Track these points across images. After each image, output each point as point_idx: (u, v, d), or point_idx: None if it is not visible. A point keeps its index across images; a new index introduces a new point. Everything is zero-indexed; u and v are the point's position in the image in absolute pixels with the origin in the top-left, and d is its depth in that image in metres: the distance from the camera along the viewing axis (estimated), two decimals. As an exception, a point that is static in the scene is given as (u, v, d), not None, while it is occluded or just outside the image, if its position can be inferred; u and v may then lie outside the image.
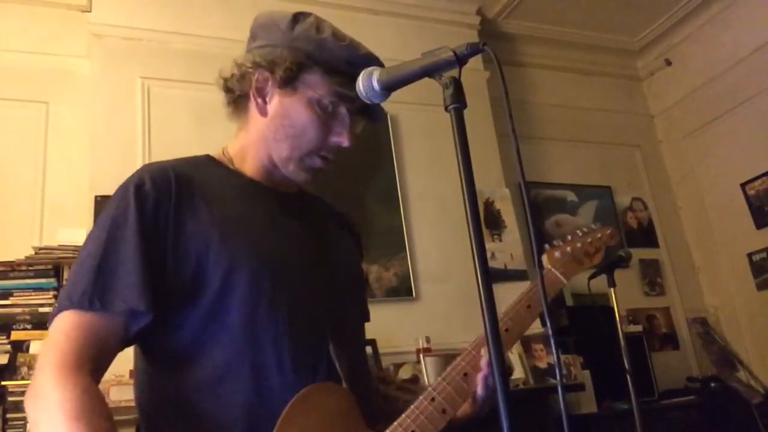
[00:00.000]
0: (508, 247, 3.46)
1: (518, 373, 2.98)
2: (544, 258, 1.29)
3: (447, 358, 2.85)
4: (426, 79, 0.91)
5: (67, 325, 0.92)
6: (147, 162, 2.99)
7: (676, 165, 4.56)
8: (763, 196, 3.95)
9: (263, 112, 1.11)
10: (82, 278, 0.94)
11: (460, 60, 0.88)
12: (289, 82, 1.07)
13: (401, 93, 0.97)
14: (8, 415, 2.38)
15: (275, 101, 1.10)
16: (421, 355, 2.87)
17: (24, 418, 2.36)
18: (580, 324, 3.46)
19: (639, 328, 3.80)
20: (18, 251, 2.66)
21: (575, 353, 3.20)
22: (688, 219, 4.47)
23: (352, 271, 1.21)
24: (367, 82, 0.93)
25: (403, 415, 1.01)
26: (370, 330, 3.25)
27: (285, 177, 1.12)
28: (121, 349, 0.98)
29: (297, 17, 1.10)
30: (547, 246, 1.33)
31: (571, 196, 4.17)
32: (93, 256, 0.95)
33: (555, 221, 4.06)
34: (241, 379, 0.96)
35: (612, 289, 2.60)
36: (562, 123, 4.31)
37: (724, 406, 3.48)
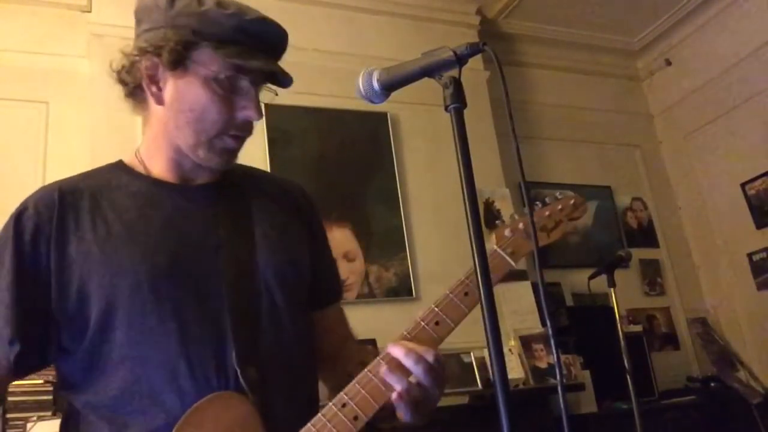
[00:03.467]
0: (508, 247, 3.45)
1: (518, 373, 2.98)
2: (493, 235, 1.11)
3: (447, 358, 2.85)
4: (426, 79, 0.91)
5: None
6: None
7: (676, 165, 4.56)
8: (763, 196, 3.95)
9: (159, 101, 1.02)
10: None
11: (460, 60, 0.88)
12: (178, 63, 0.98)
13: (401, 93, 0.97)
14: (8, 415, 2.38)
15: (169, 86, 1.01)
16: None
17: (24, 418, 2.36)
18: (580, 324, 3.46)
19: (639, 328, 3.80)
20: (18, 251, 2.66)
21: (575, 353, 3.20)
22: (688, 219, 4.47)
23: (290, 253, 1.08)
24: (367, 82, 0.93)
25: (309, 424, 0.94)
26: (371, 330, 3.23)
27: (198, 166, 1.04)
28: (14, 373, 0.97)
29: None
30: (498, 222, 1.14)
31: (571, 196, 4.17)
32: None
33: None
34: (137, 398, 0.93)
35: (612, 289, 2.61)
36: (562, 123, 4.31)
37: (724, 406, 3.48)
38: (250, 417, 0.92)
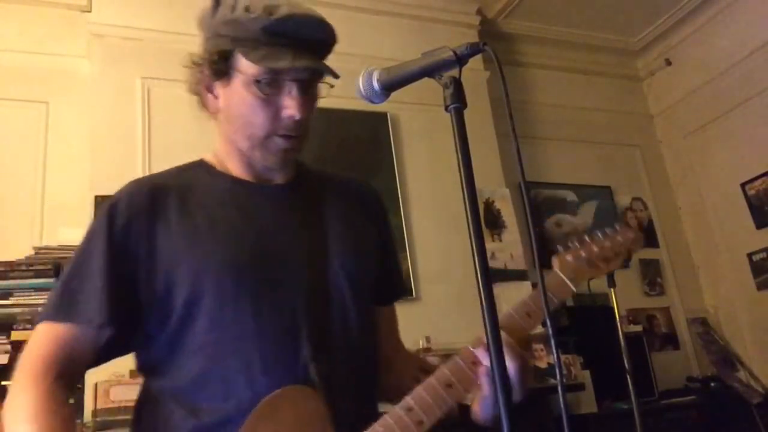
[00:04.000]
0: (508, 247, 3.46)
1: (518, 373, 2.98)
2: (555, 262, 1.18)
3: (446, 358, 2.85)
4: (426, 79, 0.91)
5: (41, 335, 0.99)
6: (147, 161, 2.99)
7: (676, 165, 4.56)
8: (763, 196, 3.95)
9: (215, 109, 1.08)
10: (55, 293, 1.01)
11: (460, 60, 0.88)
12: (221, 74, 1.03)
13: (401, 93, 0.97)
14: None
15: (221, 95, 1.06)
16: (421, 355, 2.87)
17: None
18: (580, 324, 3.45)
19: (639, 328, 3.80)
20: (18, 251, 2.67)
21: (575, 353, 3.20)
22: (688, 219, 4.47)
23: (360, 253, 1.11)
24: (367, 82, 0.93)
25: (375, 425, 0.95)
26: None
27: (267, 166, 1.08)
28: (98, 358, 1.01)
29: (218, 1, 1.04)
30: (560, 248, 1.20)
31: (571, 196, 4.17)
32: (66, 273, 1.02)
33: (555, 221, 4.07)
34: (211, 385, 0.97)
35: (612, 289, 2.60)
36: (562, 123, 4.31)
37: (724, 406, 3.48)
38: (320, 412, 0.95)
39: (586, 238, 1.21)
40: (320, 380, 0.96)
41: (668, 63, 4.56)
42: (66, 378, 0.97)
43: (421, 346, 2.92)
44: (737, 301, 4.10)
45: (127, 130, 2.97)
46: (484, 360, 0.98)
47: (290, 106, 1.02)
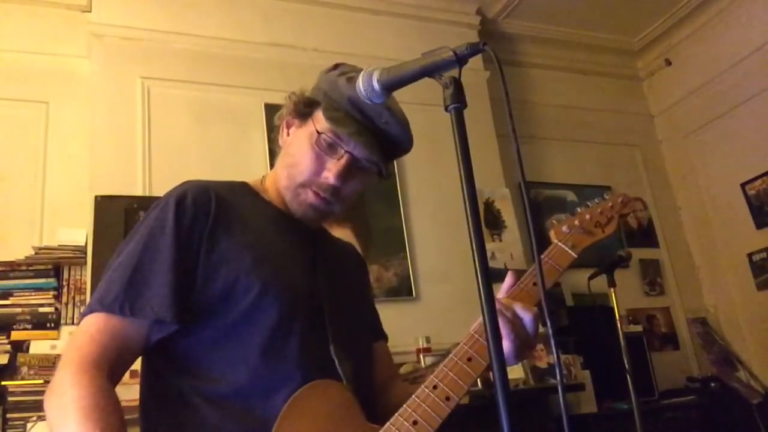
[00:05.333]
0: (508, 247, 3.46)
1: (518, 373, 2.98)
2: (552, 234, 1.24)
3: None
4: (426, 79, 0.91)
5: (93, 327, 0.97)
6: (147, 161, 2.99)
7: (676, 165, 4.56)
8: (763, 196, 3.95)
9: (283, 142, 1.18)
10: (115, 284, 0.98)
11: (460, 60, 0.88)
12: (301, 115, 1.13)
13: (401, 93, 0.97)
14: (8, 415, 2.38)
15: (292, 133, 1.17)
16: (421, 355, 2.87)
17: (24, 418, 2.36)
18: (580, 324, 3.45)
19: (639, 328, 3.80)
20: (18, 251, 2.67)
21: (575, 353, 3.20)
22: (688, 219, 4.47)
23: (364, 308, 1.27)
24: (367, 82, 0.93)
25: (404, 405, 1.00)
26: (370, 330, 3.19)
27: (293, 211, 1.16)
28: (141, 354, 1.02)
29: (338, 65, 1.15)
30: (554, 221, 1.26)
31: (571, 196, 4.17)
32: (128, 263, 1.00)
33: (555, 221, 4.06)
34: (251, 400, 0.98)
35: (612, 289, 2.60)
36: (562, 123, 4.31)
37: (724, 406, 3.48)
38: (348, 400, 1.01)
39: (577, 209, 1.28)
40: (346, 377, 1.04)
41: (668, 63, 4.56)
42: (117, 375, 0.97)
43: (420, 346, 2.92)
44: (737, 301, 4.10)
45: (127, 130, 2.97)
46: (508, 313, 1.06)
47: (331, 170, 1.10)
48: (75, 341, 0.96)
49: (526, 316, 1.07)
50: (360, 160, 1.10)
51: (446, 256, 3.26)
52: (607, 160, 4.40)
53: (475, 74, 3.52)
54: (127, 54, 3.07)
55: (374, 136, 1.10)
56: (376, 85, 0.92)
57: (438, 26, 3.77)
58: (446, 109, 0.87)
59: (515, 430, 0.75)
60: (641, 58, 4.75)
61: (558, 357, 1.01)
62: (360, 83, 0.94)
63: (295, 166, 1.12)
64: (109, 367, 0.94)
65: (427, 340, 2.94)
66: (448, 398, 1.00)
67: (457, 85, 0.87)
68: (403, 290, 3.17)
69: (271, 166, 3.09)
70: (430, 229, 3.35)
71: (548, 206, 4.06)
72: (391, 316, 3.01)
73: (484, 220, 3.41)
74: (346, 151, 1.09)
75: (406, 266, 3.23)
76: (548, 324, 0.86)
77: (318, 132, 1.09)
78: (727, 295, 4.17)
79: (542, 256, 1.17)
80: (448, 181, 3.31)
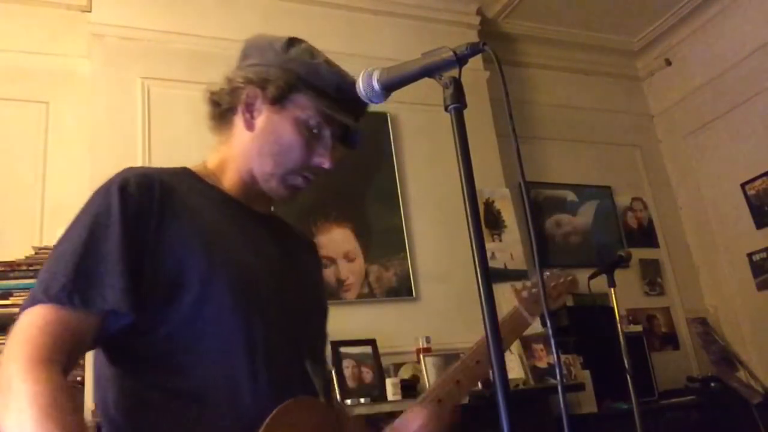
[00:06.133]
0: (508, 247, 3.46)
1: (518, 373, 2.98)
2: (515, 297, 1.33)
3: (447, 358, 2.85)
4: (426, 79, 0.91)
5: (40, 319, 0.90)
6: (147, 161, 2.99)
7: (676, 165, 4.56)
8: (763, 196, 3.95)
9: (250, 127, 1.13)
10: (60, 273, 0.91)
11: (460, 60, 0.88)
12: (278, 100, 1.10)
13: (401, 93, 0.97)
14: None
15: (263, 117, 1.12)
16: (421, 355, 2.87)
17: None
18: (580, 324, 3.45)
19: (639, 328, 3.80)
20: (18, 251, 2.66)
21: (575, 353, 3.20)
22: (688, 219, 4.47)
23: (320, 296, 1.24)
24: (367, 82, 0.93)
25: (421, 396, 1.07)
26: (371, 330, 3.23)
27: (260, 195, 1.14)
28: (92, 348, 0.97)
29: (292, 41, 1.14)
30: (516, 285, 1.37)
31: (571, 196, 4.17)
32: (73, 252, 0.93)
33: (555, 221, 4.07)
34: (215, 389, 0.95)
35: (612, 289, 2.60)
36: (562, 123, 4.31)
37: (724, 406, 3.48)
38: (332, 420, 1.02)
39: (533, 278, 1.41)
40: (321, 394, 1.03)
41: (668, 63, 4.56)
42: (69, 369, 0.90)
43: (420, 346, 2.92)
44: (737, 301, 4.10)
45: (127, 130, 2.97)
46: None
47: (325, 156, 1.12)
48: (21, 335, 0.89)
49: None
50: (336, 141, 1.14)
51: (446, 256, 3.26)
52: (607, 160, 4.40)
53: (475, 74, 3.52)
54: (127, 54, 3.07)
55: (355, 114, 1.14)
56: (376, 85, 0.93)
57: (438, 26, 3.77)
58: (446, 109, 0.87)
59: (515, 430, 0.75)
60: (641, 58, 4.75)
61: (558, 357, 1.02)
62: (360, 83, 0.94)
63: (283, 154, 1.10)
64: (62, 361, 0.87)
65: (427, 340, 2.94)
66: (458, 381, 1.11)
67: (457, 85, 0.87)
68: (403, 290, 3.17)
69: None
70: (430, 229, 3.35)
71: (548, 206, 4.06)
72: (391, 316, 3.05)
73: (484, 220, 3.41)
74: (332, 135, 1.12)
75: (406, 266, 3.23)
76: (548, 324, 0.86)
77: (307, 119, 1.10)
78: (727, 295, 4.17)
79: (503, 319, 1.27)
80: (448, 181, 3.31)
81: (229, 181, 1.14)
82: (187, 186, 1.08)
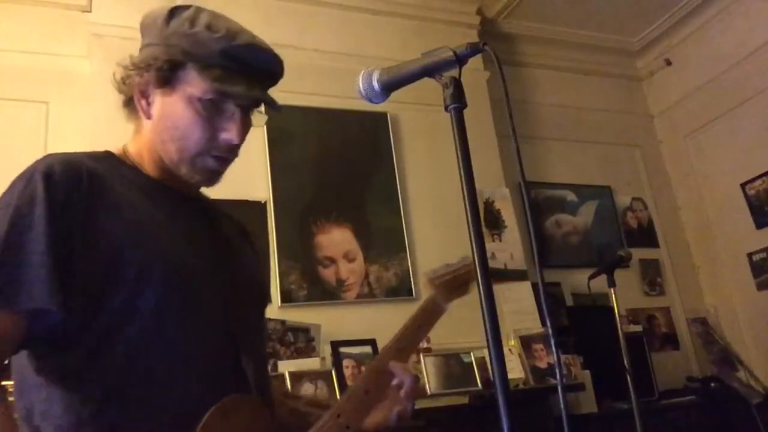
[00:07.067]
0: (508, 247, 3.46)
1: (518, 373, 2.98)
2: (429, 286, 1.34)
3: (447, 358, 2.85)
4: (426, 79, 0.91)
5: None
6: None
7: (676, 165, 4.56)
8: (763, 196, 3.95)
9: (148, 115, 1.05)
10: None
11: (460, 60, 0.88)
12: (165, 81, 1.02)
13: (401, 93, 0.97)
14: (8, 415, 2.37)
15: (157, 102, 1.04)
16: (421, 355, 2.87)
17: (24, 418, 2.35)
18: (580, 324, 3.46)
19: (639, 328, 3.80)
20: (18, 251, 2.66)
21: (575, 353, 3.20)
22: (688, 219, 4.47)
23: (256, 280, 1.17)
24: (367, 83, 0.93)
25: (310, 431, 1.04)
26: (370, 330, 3.22)
27: (188, 182, 1.07)
28: (17, 351, 0.89)
29: (173, 12, 1.04)
30: (428, 273, 1.38)
31: (571, 196, 4.17)
32: None
33: (555, 221, 4.07)
34: (149, 385, 0.90)
35: (612, 289, 2.61)
36: (562, 123, 4.31)
37: (724, 406, 3.48)
38: (267, 419, 0.99)
39: (443, 267, 1.40)
40: (254, 389, 0.99)
41: (668, 63, 4.55)
42: None
43: (420, 346, 2.92)
44: (737, 301, 4.10)
45: (127, 131, 2.96)
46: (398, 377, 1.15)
47: (230, 130, 1.02)
48: None
49: (407, 380, 1.13)
50: (251, 108, 1.05)
51: (446, 256, 3.23)
52: (607, 160, 4.40)
53: (475, 74, 3.52)
54: (127, 54, 3.06)
55: (256, 78, 1.03)
56: (376, 85, 0.93)
57: (438, 26, 3.76)
58: (446, 109, 0.87)
59: (515, 430, 0.75)
60: (641, 58, 4.75)
61: (558, 357, 1.02)
62: (360, 83, 0.94)
63: (184, 138, 1.01)
64: None
65: (428, 340, 2.94)
66: (348, 427, 1.07)
67: (457, 85, 0.87)
68: (403, 290, 3.17)
69: (271, 162, 3.14)
70: (430, 229, 3.35)
71: (548, 206, 4.06)
72: (391, 316, 3.03)
73: (484, 220, 3.41)
74: (237, 106, 1.02)
75: (406, 266, 3.22)
76: (548, 324, 0.86)
77: (200, 96, 1.00)
78: (727, 295, 4.17)
79: (419, 309, 1.29)
80: (448, 181, 3.31)
81: (149, 167, 1.06)
82: (113, 172, 1.01)
